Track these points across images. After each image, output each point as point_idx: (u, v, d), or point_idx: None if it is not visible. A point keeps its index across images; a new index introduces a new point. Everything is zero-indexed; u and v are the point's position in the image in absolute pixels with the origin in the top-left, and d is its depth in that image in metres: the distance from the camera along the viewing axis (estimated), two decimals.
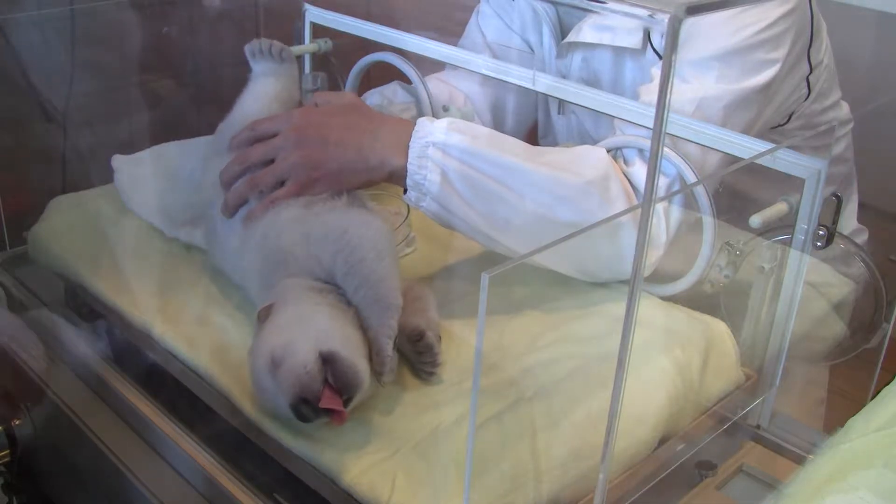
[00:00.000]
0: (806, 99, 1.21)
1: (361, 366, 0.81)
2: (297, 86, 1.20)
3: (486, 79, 1.26)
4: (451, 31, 1.48)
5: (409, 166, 0.97)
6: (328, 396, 0.79)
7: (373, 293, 0.86)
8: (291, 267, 0.91)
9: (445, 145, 0.97)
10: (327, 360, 0.80)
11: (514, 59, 1.35)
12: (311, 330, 0.83)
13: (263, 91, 1.16)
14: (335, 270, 0.89)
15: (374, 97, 1.34)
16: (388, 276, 0.88)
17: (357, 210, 0.98)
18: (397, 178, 0.99)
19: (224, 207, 1.02)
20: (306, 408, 0.79)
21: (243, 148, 1.04)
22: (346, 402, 0.80)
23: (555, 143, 1.42)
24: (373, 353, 0.85)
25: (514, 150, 1.00)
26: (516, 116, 1.44)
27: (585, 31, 1.24)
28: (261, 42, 1.19)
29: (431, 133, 0.98)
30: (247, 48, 1.19)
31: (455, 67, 1.29)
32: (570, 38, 1.26)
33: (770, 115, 1.13)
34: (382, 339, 0.85)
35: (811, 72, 1.18)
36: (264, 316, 0.87)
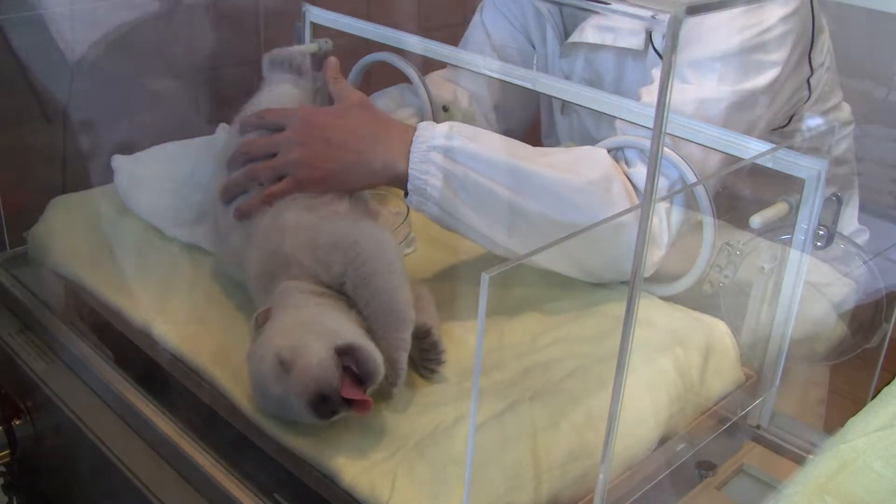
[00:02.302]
0: (807, 101, 1.21)
1: (378, 355, 0.81)
2: (311, 98, 1.19)
3: (490, 77, 1.26)
4: (452, 32, 1.48)
5: (410, 171, 0.97)
6: (349, 386, 0.79)
7: (386, 306, 0.86)
8: (295, 270, 0.91)
9: (447, 149, 0.97)
10: (345, 352, 0.80)
11: (517, 58, 1.35)
12: (320, 328, 0.83)
13: (283, 92, 1.15)
14: (345, 280, 0.89)
15: (380, 100, 1.34)
16: (401, 289, 0.88)
17: (366, 221, 0.98)
18: (399, 182, 0.99)
19: (222, 193, 1.02)
20: (325, 404, 0.79)
21: (251, 130, 1.04)
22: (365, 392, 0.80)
23: (557, 143, 1.42)
24: (386, 366, 0.84)
25: (515, 151, 1.00)
26: (520, 115, 1.44)
27: (588, 32, 1.24)
28: (280, 54, 1.19)
29: (433, 137, 0.98)
30: (265, 59, 1.19)
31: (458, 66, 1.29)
32: (573, 38, 1.27)
33: (771, 117, 1.14)
34: (397, 351, 0.85)
35: (812, 74, 1.18)
36: (262, 320, 0.87)
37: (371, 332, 0.87)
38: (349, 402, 0.79)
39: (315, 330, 0.83)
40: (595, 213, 0.98)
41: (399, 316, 0.86)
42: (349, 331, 0.83)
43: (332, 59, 1.11)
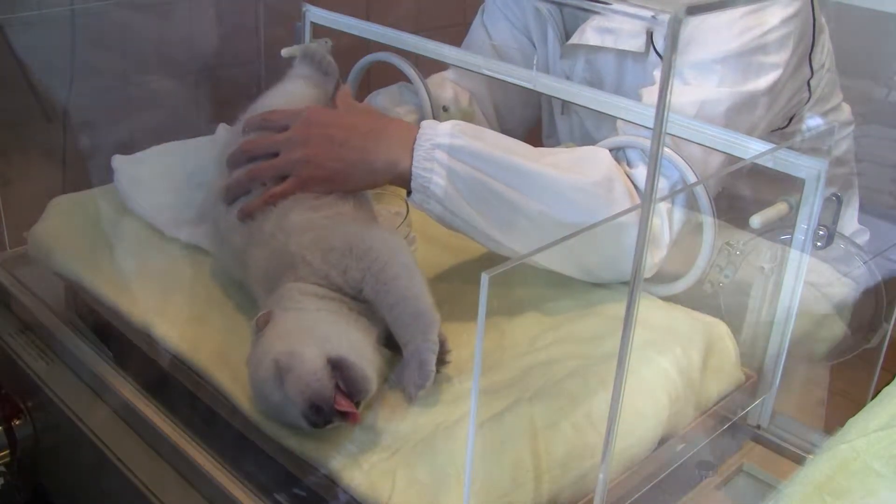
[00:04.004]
0: (807, 102, 1.21)
1: (370, 371, 0.82)
2: (328, 101, 1.20)
3: (491, 78, 1.26)
4: (452, 32, 1.48)
5: (414, 169, 0.97)
6: (341, 398, 0.79)
7: (412, 310, 0.87)
8: (302, 270, 0.91)
9: (451, 147, 0.97)
10: (336, 366, 0.80)
11: (518, 59, 1.35)
12: (317, 336, 0.83)
13: (296, 91, 1.15)
14: (364, 286, 0.89)
15: (379, 98, 1.34)
16: (424, 291, 0.88)
17: (377, 226, 0.98)
18: (402, 180, 0.99)
19: (224, 193, 1.02)
20: (319, 414, 0.79)
21: (255, 132, 1.04)
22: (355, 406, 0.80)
23: (557, 144, 1.42)
24: (414, 368, 0.85)
25: (518, 151, 1.00)
26: (520, 116, 1.44)
27: (588, 34, 1.24)
28: (315, 48, 1.19)
29: (437, 135, 0.98)
30: (301, 48, 1.19)
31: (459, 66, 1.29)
32: (574, 40, 1.26)
33: (771, 119, 1.14)
34: (427, 353, 0.85)
35: (812, 75, 1.18)
36: (263, 323, 0.87)
37: (395, 334, 0.87)
38: (343, 413, 0.79)
39: (313, 337, 0.83)
40: (597, 213, 0.98)
41: (426, 318, 0.86)
42: (346, 341, 0.83)
43: (346, 88, 1.11)
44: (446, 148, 0.97)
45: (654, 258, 1.03)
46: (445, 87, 1.36)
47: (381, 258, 0.89)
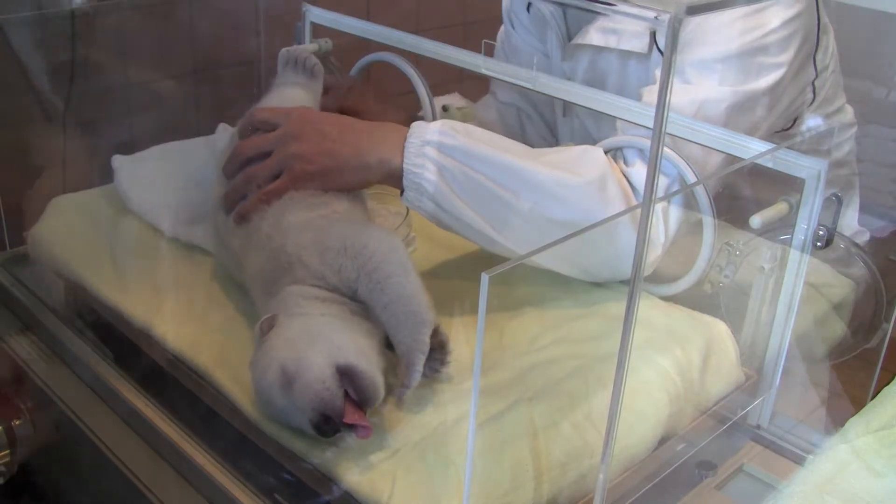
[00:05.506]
0: (811, 104, 1.21)
1: (379, 377, 0.81)
2: (318, 103, 1.19)
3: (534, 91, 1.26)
4: (452, 32, 1.48)
5: (405, 166, 0.98)
6: (351, 411, 0.79)
7: (405, 309, 0.86)
8: (299, 272, 0.90)
9: (441, 145, 0.97)
10: (345, 374, 0.79)
11: (544, 63, 1.35)
12: (324, 343, 0.82)
13: (291, 96, 1.15)
14: (358, 286, 0.88)
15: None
16: (418, 291, 0.87)
17: (374, 225, 0.98)
18: (394, 178, 0.99)
19: (224, 203, 1.02)
20: (328, 424, 0.78)
21: (249, 134, 1.04)
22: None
23: (557, 145, 1.42)
24: (401, 368, 0.85)
25: (510, 149, 1.00)
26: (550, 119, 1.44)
27: (592, 34, 1.24)
28: (297, 52, 1.19)
29: (427, 133, 0.98)
30: (281, 55, 1.19)
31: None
32: (577, 40, 1.26)
33: (774, 120, 1.13)
34: (416, 354, 0.84)
35: (816, 76, 1.18)
36: (267, 327, 0.86)
37: (388, 334, 0.87)
38: (350, 426, 0.79)
39: (321, 343, 0.82)
40: (590, 211, 0.98)
41: (419, 318, 0.86)
42: (353, 347, 0.83)
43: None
44: (436, 145, 0.97)
45: (650, 257, 1.03)
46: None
47: (375, 257, 0.88)
